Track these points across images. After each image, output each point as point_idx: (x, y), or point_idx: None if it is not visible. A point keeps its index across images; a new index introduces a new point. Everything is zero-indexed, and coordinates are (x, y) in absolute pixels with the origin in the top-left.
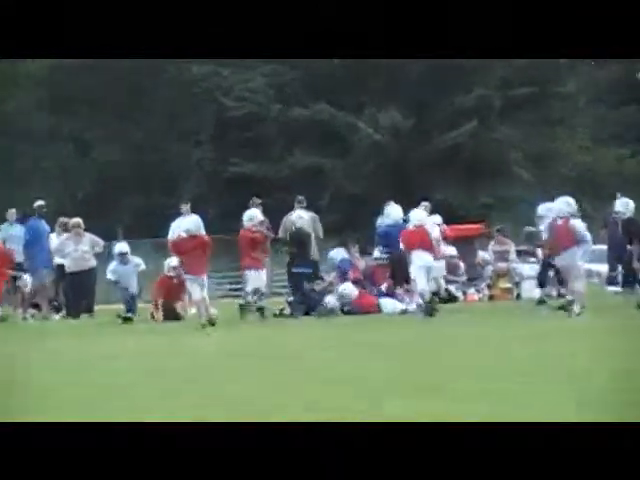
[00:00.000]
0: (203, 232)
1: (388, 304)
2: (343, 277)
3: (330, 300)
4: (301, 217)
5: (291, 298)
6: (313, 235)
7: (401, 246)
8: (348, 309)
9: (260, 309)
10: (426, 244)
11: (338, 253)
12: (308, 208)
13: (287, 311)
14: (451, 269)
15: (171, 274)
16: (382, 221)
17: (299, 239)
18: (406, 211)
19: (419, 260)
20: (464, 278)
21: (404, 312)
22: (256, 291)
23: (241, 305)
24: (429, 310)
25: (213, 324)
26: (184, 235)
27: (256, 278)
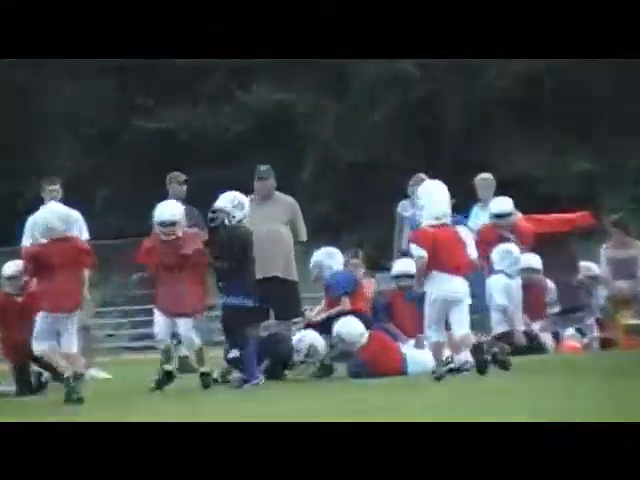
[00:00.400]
0: (82, 233)
1: (418, 358)
2: (335, 304)
3: (306, 339)
4: (240, 204)
5: (232, 354)
6: (290, 238)
7: (419, 253)
8: (355, 369)
9: (204, 375)
10: (460, 258)
11: (329, 256)
12: (280, 188)
13: (235, 376)
14: (533, 293)
15: (7, 289)
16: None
17: (236, 243)
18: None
19: (440, 285)
20: (556, 309)
21: (446, 372)
22: (166, 352)
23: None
24: (482, 364)
25: (79, 399)
26: (40, 238)
27: (165, 328)
